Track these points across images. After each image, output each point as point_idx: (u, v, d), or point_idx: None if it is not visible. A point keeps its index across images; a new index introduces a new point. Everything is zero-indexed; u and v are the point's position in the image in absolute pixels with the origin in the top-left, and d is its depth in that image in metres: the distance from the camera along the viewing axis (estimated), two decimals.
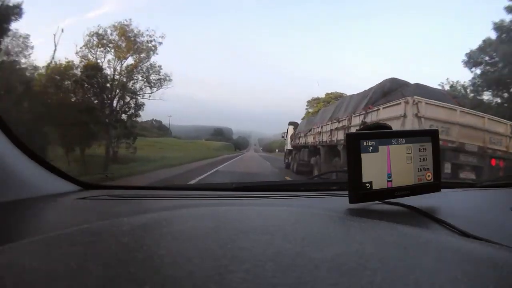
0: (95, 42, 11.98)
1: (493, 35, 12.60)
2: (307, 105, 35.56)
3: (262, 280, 0.26)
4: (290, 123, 12.90)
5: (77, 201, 0.82)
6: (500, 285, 0.29)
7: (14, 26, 9.40)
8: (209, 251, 0.32)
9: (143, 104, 12.52)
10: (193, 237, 0.36)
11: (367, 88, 6.43)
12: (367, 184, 0.66)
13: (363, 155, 0.65)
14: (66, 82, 10.56)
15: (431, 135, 0.73)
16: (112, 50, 12.17)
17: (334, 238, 0.39)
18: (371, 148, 0.66)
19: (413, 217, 0.65)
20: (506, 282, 0.29)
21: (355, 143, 0.65)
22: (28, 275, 0.28)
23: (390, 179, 0.68)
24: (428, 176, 0.72)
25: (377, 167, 0.67)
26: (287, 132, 13.04)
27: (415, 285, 0.27)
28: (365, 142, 0.65)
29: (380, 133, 0.68)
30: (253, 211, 0.52)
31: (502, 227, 0.60)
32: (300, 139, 10.15)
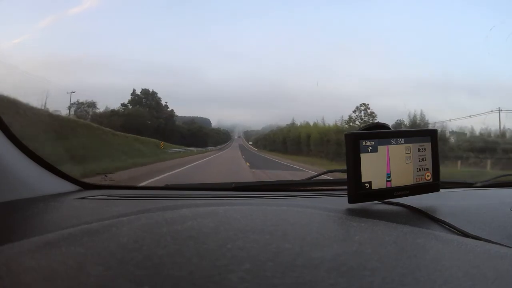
0: None
1: None
2: None
3: (261, 280, 0.26)
4: None
5: (77, 201, 0.82)
6: (500, 285, 0.29)
7: None
8: (208, 251, 0.32)
9: None
10: (192, 237, 0.36)
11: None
12: (366, 184, 0.66)
13: (362, 155, 0.65)
14: None
15: (431, 135, 0.74)
16: None
17: (333, 238, 0.39)
18: (370, 148, 0.66)
19: (412, 217, 0.65)
20: (506, 282, 0.29)
21: (355, 143, 0.65)
22: (28, 275, 0.28)
23: (389, 179, 0.68)
24: (428, 176, 0.72)
25: (376, 167, 0.67)
26: None
27: (415, 285, 0.27)
28: (364, 142, 0.65)
29: (380, 133, 0.68)
30: (253, 211, 0.52)
31: (502, 227, 0.60)
32: None
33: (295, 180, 1.07)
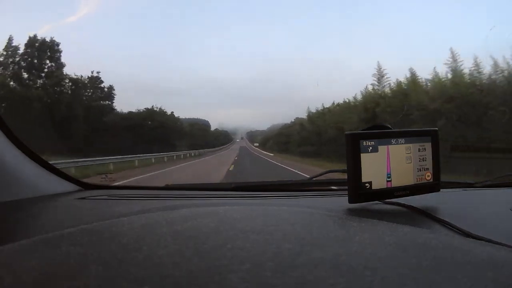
0: None
1: None
2: None
3: (261, 280, 0.26)
4: None
5: (77, 201, 0.82)
6: (500, 285, 0.29)
7: None
8: (209, 251, 0.32)
9: None
10: (193, 237, 0.36)
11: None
12: (366, 184, 0.66)
13: (363, 155, 0.65)
14: None
15: (431, 135, 0.74)
16: None
17: (333, 238, 0.38)
18: (371, 148, 0.66)
19: (413, 217, 0.65)
20: (506, 282, 0.29)
21: (355, 143, 0.65)
22: (28, 275, 0.28)
23: (390, 179, 0.68)
24: (428, 176, 0.72)
25: (376, 167, 0.67)
26: None
27: (415, 285, 0.27)
28: (364, 142, 0.65)
29: (380, 133, 0.68)
30: (253, 211, 0.51)
31: (502, 227, 0.60)
32: None
33: (296, 180, 1.08)
